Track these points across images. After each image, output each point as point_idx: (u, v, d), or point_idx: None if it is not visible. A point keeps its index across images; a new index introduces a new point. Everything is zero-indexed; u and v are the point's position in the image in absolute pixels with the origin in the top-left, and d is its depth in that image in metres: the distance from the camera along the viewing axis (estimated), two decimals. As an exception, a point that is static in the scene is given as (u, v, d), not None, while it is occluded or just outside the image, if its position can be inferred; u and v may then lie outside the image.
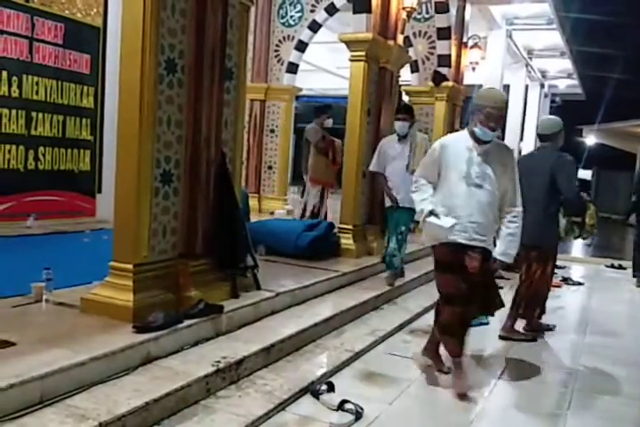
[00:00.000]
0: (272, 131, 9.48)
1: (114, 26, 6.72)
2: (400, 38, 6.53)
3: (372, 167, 5.50)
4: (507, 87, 15.07)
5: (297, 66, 9.42)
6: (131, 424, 2.52)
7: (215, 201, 3.81)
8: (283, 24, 9.23)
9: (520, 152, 17.13)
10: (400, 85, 7.98)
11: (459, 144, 3.42)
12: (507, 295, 6.39)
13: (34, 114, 6.46)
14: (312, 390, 3.25)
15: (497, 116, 3.33)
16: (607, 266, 8.98)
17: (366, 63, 5.94)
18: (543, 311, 4.87)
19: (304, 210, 7.20)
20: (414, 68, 9.55)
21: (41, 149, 6.59)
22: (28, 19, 6.27)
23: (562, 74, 17.79)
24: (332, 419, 2.96)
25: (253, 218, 6.93)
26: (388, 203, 5.40)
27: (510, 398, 3.56)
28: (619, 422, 3.30)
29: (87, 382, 2.67)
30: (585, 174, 26.86)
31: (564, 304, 6.17)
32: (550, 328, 4.97)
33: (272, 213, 8.94)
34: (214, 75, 3.66)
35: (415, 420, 3.15)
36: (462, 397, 3.38)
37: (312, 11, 9.00)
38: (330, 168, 7.11)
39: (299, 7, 9.07)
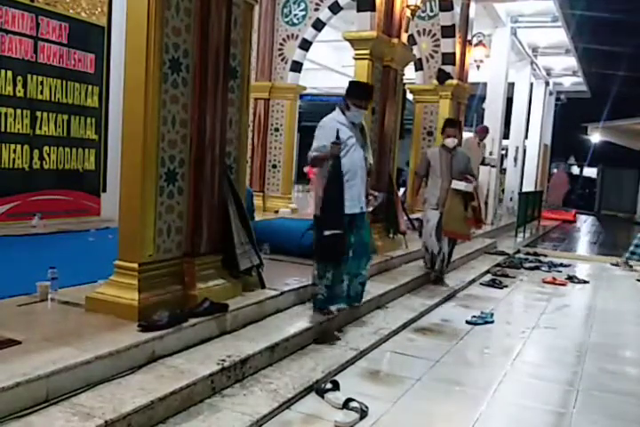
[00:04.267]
0: (276, 129, 9.47)
1: (118, 25, 6.72)
2: (404, 36, 6.52)
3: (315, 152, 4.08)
4: (511, 85, 15.02)
5: (301, 64, 9.42)
6: (136, 423, 2.52)
7: (220, 200, 3.81)
8: (287, 23, 9.22)
9: (525, 150, 17.10)
10: (404, 84, 7.97)
11: None
12: (512, 293, 6.41)
13: (38, 113, 6.47)
14: (317, 388, 3.25)
15: None
16: (612, 264, 8.95)
17: (370, 61, 5.93)
18: None
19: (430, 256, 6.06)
20: (418, 67, 9.53)
21: (46, 148, 6.60)
22: (32, 18, 6.28)
23: (567, 71, 17.72)
24: (336, 417, 2.96)
25: (258, 217, 6.94)
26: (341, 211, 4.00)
27: (515, 397, 3.55)
28: (625, 422, 3.29)
29: (93, 381, 2.68)
30: (590, 172, 26.80)
31: (569, 302, 6.16)
32: None
33: (276, 212, 8.95)
34: (219, 74, 3.66)
35: (419, 418, 3.14)
36: None
37: (316, 9, 8.98)
38: (466, 222, 5.89)
39: (303, 6, 9.06)
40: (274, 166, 9.57)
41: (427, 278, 6.22)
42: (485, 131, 9.17)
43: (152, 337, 3.04)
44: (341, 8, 8.86)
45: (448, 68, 9.08)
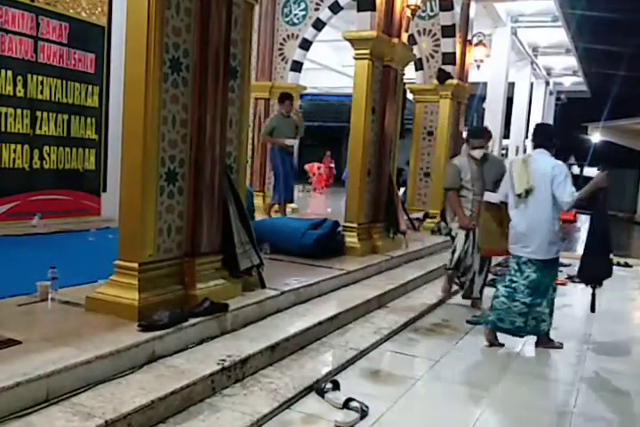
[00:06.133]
0: (276, 129, 9.45)
1: (118, 25, 6.72)
2: (404, 36, 6.52)
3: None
4: (511, 85, 15.03)
5: (301, 64, 9.41)
6: (136, 422, 2.52)
7: (220, 200, 3.81)
8: (287, 22, 9.21)
9: (525, 150, 17.09)
10: (404, 83, 7.96)
11: None
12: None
13: (39, 113, 6.47)
14: (317, 388, 3.25)
15: None
16: (613, 264, 8.91)
17: (370, 61, 5.92)
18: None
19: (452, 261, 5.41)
20: (419, 66, 9.53)
21: (46, 148, 6.60)
22: (32, 18, 6.28)
23: (567, 71, 17.76)
24: (337, 417, 2.96)
25: (258, 217, 6.93)
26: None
27: (516, 396, 3.55)
28: (625, 421, 3.30)
29: (93, 381, 2.68)
30: (590, 172, 26.80)
31: (569, 302, 6.15)
32: None
33: (277, 212, 8.94)
34: (219, 73, 3.66)
35: (420, 418, 3.14)
36: None
37: (316, 9, 8.98)
38: (505, 237, 4.91)
39: (303, 5, 9.05)
40: (274, 166, 9.54)
41: (427, 278, 6.23)
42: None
43: (152, 337, 3.04)
44: (341, 8, 8.86)
45: (448, 68, 9.07)
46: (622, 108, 18.32)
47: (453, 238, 5.43)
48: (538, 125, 4.73)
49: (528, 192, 4.17)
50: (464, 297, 5.60)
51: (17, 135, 6.28)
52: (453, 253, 5.39)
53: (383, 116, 6.32)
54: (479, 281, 5.42)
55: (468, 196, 5.29)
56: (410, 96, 10.19)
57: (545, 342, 4.47)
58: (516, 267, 4.34)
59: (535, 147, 4.38)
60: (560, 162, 4.24)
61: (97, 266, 3.76)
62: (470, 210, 5.27)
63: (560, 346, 4.48)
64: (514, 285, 4.31)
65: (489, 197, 5.06)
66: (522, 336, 4.44)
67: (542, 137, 4.37)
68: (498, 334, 4.43)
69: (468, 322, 4.99)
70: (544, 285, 4.31)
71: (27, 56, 6.27)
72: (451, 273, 5.58)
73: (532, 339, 4.70)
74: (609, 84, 17.99)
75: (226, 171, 3.85)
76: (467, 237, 5.25)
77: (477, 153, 5.31)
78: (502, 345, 4.42)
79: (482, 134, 5.41)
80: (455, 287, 5.70)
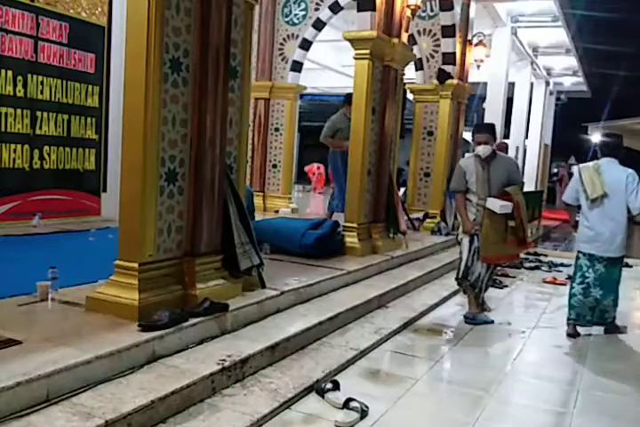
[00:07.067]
0: (277, 129, 9.47)
1: (118, 25, 6.73)
2: (404, 36, 6.52)
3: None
4: (512, 85, 15.02)
5: (301, 64, 9.41)
6: (136, 422, 2.52)
7: (220, 200, 3.81)
8: (287, 22, 9.21)
9: (525, 150, 17.08)
10: (404, 83, 7.96)
11: None
12: (512, 293, 6.41)
13: (39, 113, 6.47)
14: (317, 388, 3.25)
15: None
16: None
17: (370, 61, 5.93)
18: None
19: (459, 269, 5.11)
20: (419, 66, 9.53)
21: (46, 148, 6.60)
22: (32, 18, 6.28)
23: (567, 71, 17.74)
24: (337, 417, 2.96)
25: (258, 217, 6.93)
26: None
27: (516, 397, 3.55)
28: (625, 421, 3.29)
29: (93, 381, 2.68)
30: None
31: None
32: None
33: (277, 212, 8.96)
34: (219, 73, 3.66)
35: (420, 418, 3.14)
36: None
37: (316, 9, 8.98)
38: (509, 244, 4.94)
39: (303, 5, 9.05)
40: (274, 166, 9.57)
41: (427, 278, 6.23)
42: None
43: (152, 337, 3.04)
44: (341, 8, 8.86)
45: (448, 68, 9.07)
46: (622, 108, 18.32)
47: (460, 244, 5.15)
48: (609, 136, 5.20)
49: (601, 198, 4.66)
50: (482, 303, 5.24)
51: (17, 135, 6.28)
52: (461, 261, 5.08)
53: (383, 116, 6.32)
54: (485, 288, 5.14)
55: (472, 200, 4.95)
56: (410, 96, 10.19)
57: (612, 329, 4.94)
58: (588, 264, 4.80)
59: (603, 156, 4.81)
60: (632, 170, 4.73)
61: (97, 266, 3.76)
62: (475, 214, 4.93)
63: (625, 330, 5.00)
64: (587, 280, 4.79)
65: (492, 205, 4.81)
66: (591, 326, 4.90)
67: (614, 149, 4.86)
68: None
69: (467, 322, 5.00)
70: (613, 279, 4.81)
71: (27, 56, 6.27)
72: (465, 287, 5.16)
73: (531, 339, 4.71)
74: (609, 84, 18.00)
75: (226, 171, 3.86)
76: (471, 242, 4.95)
77: (482, 150, 4.87)
78: (579, 335, 4.84)
79: (486, 129, 5.04)
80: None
